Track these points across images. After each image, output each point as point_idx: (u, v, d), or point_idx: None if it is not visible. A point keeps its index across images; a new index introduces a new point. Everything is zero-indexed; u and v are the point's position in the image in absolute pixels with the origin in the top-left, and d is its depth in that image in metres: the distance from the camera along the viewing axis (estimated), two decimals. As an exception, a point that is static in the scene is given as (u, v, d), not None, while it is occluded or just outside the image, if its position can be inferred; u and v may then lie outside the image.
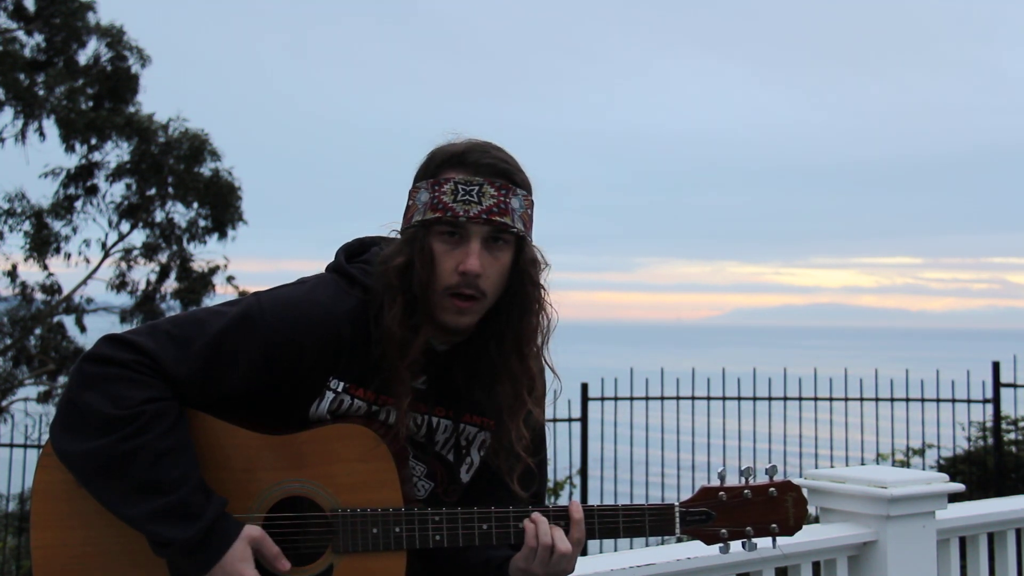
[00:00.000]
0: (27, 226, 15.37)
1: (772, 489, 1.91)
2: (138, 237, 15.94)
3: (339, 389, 1.86)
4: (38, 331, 15.79)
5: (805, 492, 3.66)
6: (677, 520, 1.88)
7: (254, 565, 1.76)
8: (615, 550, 4.40)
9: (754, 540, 1.91)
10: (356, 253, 1.98)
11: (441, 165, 1.85)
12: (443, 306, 1.84)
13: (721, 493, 1.90)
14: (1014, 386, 9.21)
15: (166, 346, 1.77)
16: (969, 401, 9.28)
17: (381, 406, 1.89)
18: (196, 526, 1.72)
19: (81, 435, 1.72)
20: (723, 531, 1.90)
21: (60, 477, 1.80)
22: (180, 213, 15.78)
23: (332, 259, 1.98)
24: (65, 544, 1.83)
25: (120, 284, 15.99)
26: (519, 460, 1.93)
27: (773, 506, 1.90)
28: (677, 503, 1.90)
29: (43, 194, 15.63)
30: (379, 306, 1.85)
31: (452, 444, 1.97)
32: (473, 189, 1.80)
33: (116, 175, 15.50)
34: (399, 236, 1.90)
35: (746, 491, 1.90)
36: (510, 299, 1.89)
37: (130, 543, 1.81)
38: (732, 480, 1.92)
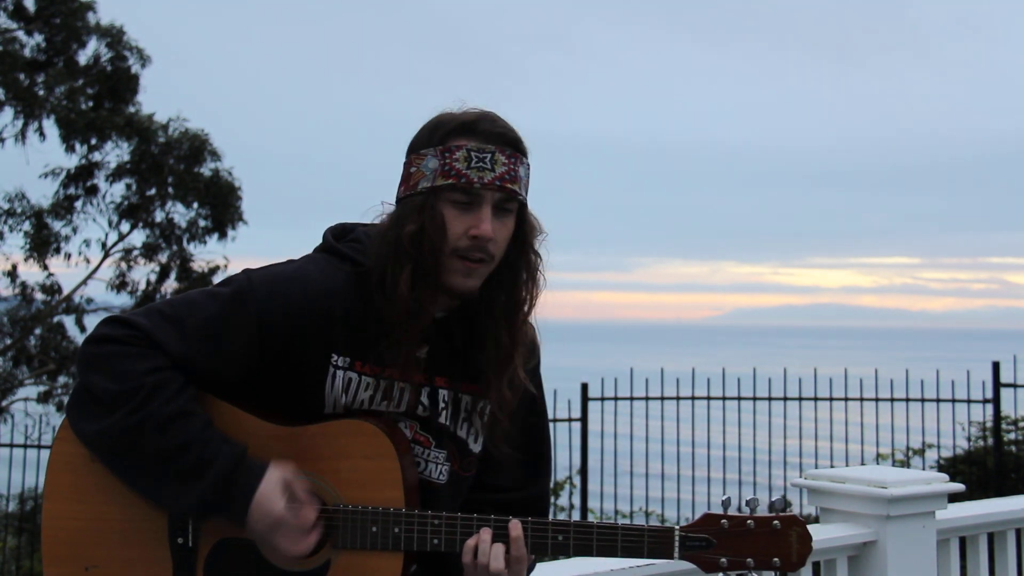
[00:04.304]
0: (27, 226, 15.36)
1: (776, 522, 1.86)
2: (138, 237, 15.96)
3: (343, 365, 1.87)
4: (38, 331, 15.80)
5: (806, 492, 3.67)
6: (676, 544, 1.86)
7: (283, 503, 1.77)
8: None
9: (753, 574, 1.87)
10: (341, 235, 2.00)
11: (450, 133, 1.86)
12: (451, 268, 1.86)
13: (723, 521, 1.87)
14: (1014, 386, 9.21)
15: (161, 324, 1.80)
16: (969, 401, 9.29)
17: (389, 380, 1.90)
18: (210, 480, 1.74)
19: (93, 415, 1.76)
20: (722, 560, 1.86)
21: (76, 450, 1.83)
22: (180, 213, 15.78)
23: (320, 242, 2.00)
24: (76, 517, 1.85)
25: (120, 284, 15.98)
26: (506, 423, 1.96)
27: (776, 539, 1.86)
28: (678, 527, 1.88)
29: (43, 194, 15.64)
30: (380, 278, 1.87)
31: (452, 415, 1.98)
32: (486, 156, 1.83)
33: (116, 175, 15.48)
34: (395, 205, 1.91)
35: (749, 521, 1.86)
36: (507, 265, 1.92)
37: (137, 520, 1.83)
38: (736, 509, 1.89)
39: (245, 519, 1.76)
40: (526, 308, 1.95)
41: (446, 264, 1.85)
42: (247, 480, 1.76)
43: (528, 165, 1.91)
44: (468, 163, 1.83)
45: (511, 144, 1.87)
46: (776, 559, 1.86)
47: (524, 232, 1.92)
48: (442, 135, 1.87)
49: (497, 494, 2.04)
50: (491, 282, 1.93)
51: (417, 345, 1.89)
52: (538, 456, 2.08)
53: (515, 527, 1.83)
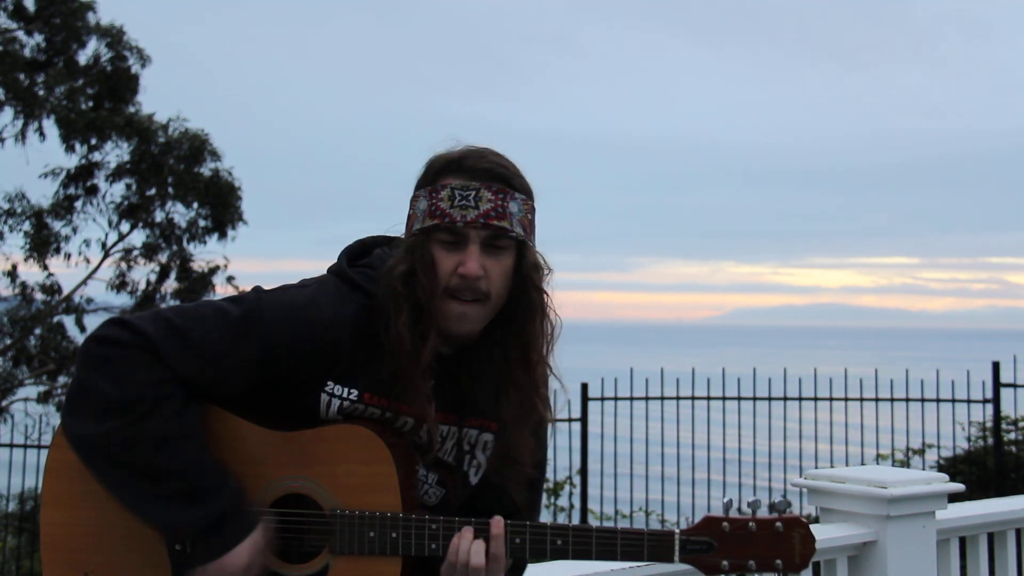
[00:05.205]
0: (27, 226, 15.34)
1: (779, 524, 1.85)
2: (138, 237, 15.93)
3: (342, 395, 1.86)
4: (38, 331, 15.78)
5: (806, 493, 3.67)
6: (677, 548, 1.84)
7: (248, 562, 1.77)
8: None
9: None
10: (358, 255, 1.98)
11: (439, 172, 1.86)
12: (445, 311, 1.84)
13: (725, 524, 1.85)
14: (1014, 386, 9.21)
15: (166, 335, 1.78)
16: (969, 401, 9.29)
17: (395, 413, 1.89)
18: (207, 510, 1.74)
19: (88, 418, 1.74)
20: (724, 563, 1.84)
21: (72, 456, 1.82)
22: (180, 213, 15.75)
23: (334, 261, 1.98)
24: (74, 524, 1.85)
25: (120, 284, 15.97)
26: (521, 468, 1.95)
27: (778, 542, 1.84)
28: (678, 530, 1.86)
29: (43, 194, 15.62)
30: (386, 313, 1.85)
31: (456, 449, 1.97)
32: (470, 194, 1.81)
33: (116, 175, 15.46)
34: (403, 242, 1.90)
35: (751, 524, 1.85)
36: (514, 304, 1.89)
37: (136, 526, 1.83)
38: (737, 511, 1.87)
39: (212, 559, 1.76)
40: (540, 346, 1.92)
41: (440, 307, 1.84)
42: (239, 527, 1.77)
43: (523, 200, 1.86)
44: (452, 201, 1.81)
45: (498, 179, 1.83)
46: (778, 561, 1.84)
47: (523, 270, 1.87)
48: (432, 175, 1.86)
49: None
50: (501, 321, 1.90)
51: (426, 382, 1.87)
52: (531, 507, 2.05)
53: (496, 524, 1.82)
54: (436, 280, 1.82)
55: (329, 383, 1.86)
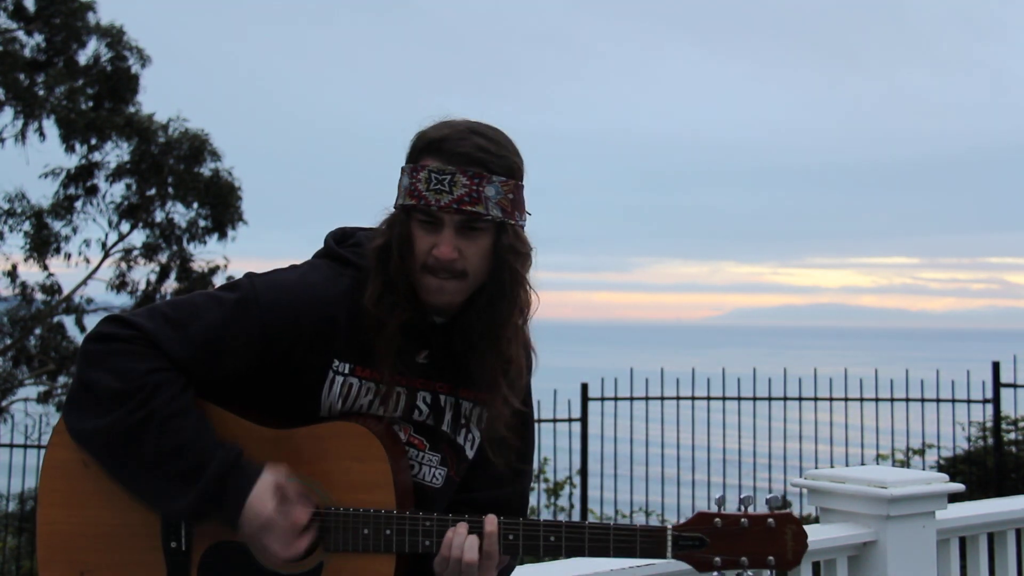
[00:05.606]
0: (27, 226, 15.36)
1: (771, 520, 1.85)
2: (138, 237, 15.96)
3: (345, 371, 1.88)
4: (38, 331, 15.79)
5: (806, 493, 3.67)
6: (669, 544, 1.84)
7: (273, 505, 1.76)
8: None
9: (748, 572, 1.85)
10: (342, 239, 2.01)
11: (421, 151, 1.87)
12: (424, 284, 1.86)
13: (717, 520, 1.85)
14: (1014, 386, 9.21)
15: (163, 327, 1.79)
16: (969, 401, 9.29)
17: (389, 385, 1.90)
18: (205, 482, 1.74)
19: (92, 413, 1.75)
20: (716, 559, 1.84)
21: (70, 456, 1.83)
22: (180, 213, 15.79)
23: (321, 247, 2.01)
24: (71, 523, 1.85)
25: (120, 284, 15.99)
26: (500, 437, 1.96)
27: (771, 538, 1.84)
28: (670, 527, 1.86)
29: (43, 194, 15.64)
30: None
31: (454, 421, 1.98)
32: (445, 178, 1.82)
33: (116, 175, 15.49)
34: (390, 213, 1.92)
35: (743, 520, 1.85)
36: (491, 281, 1.91)
37: (131, 525, 1.83)
38: (731, 507, 1.87)
39: (237, 521, 1.76)
40: (512, 325, 1.92)
41: (419, 280, 1.86)
42: (240, 483, 1.76)
43: (502, 182, 1.85)
44: (428, 184, 1.83)
45: (476, 164, 1.84)
46: (771, 557, 1.84)
47: (499, 252, 1.88)
48: (416, 152, 1.88)
49: (472, 493, 2.03)
50: (481, 293, 1.92)
51: (393, 353, 1.88)
52: (518, 460, 2.06)
53: (491, 522, 1.83)
54: (413, 256, 1.85)
55: (336, 362, 1.87)
